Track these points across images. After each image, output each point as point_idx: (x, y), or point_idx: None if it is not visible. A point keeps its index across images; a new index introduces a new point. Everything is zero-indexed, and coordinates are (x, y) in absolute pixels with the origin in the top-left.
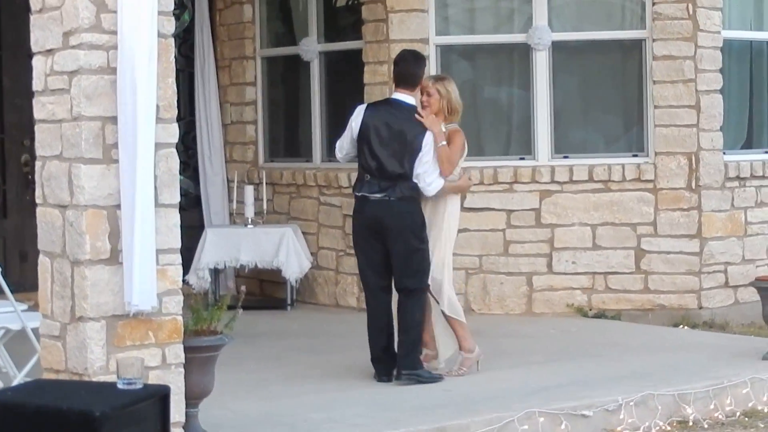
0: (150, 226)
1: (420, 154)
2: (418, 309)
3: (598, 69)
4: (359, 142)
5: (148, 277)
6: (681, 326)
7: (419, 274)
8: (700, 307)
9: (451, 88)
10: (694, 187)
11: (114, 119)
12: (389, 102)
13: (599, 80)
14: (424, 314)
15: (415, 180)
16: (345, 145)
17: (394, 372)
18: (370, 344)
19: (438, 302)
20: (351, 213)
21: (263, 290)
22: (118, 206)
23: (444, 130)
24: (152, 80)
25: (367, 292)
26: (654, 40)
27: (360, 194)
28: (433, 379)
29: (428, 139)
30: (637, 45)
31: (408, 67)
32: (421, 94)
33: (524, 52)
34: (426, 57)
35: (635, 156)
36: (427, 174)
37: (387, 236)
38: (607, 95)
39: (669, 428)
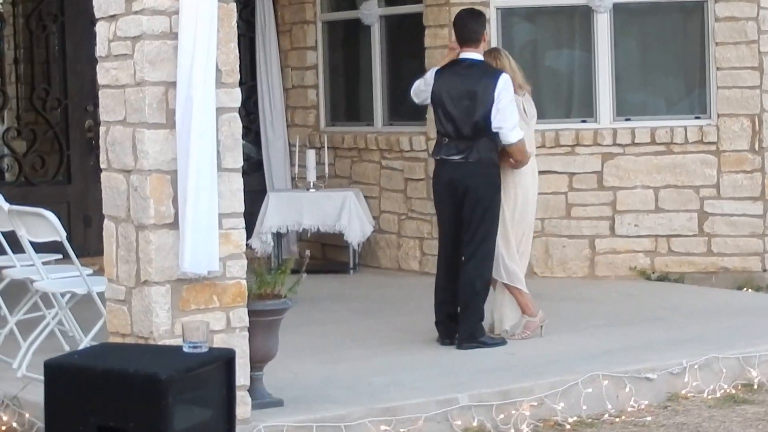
0: (207, 191)
1: (495, 103)
2: (478, 276)
3: (660, 31)
4: (434, 107)
5: (206, 242)
6: (745, 289)
7: (487, 239)
8: (764, 270)
9: (506, 62)
10: (757, 149)
11: (176, 84)
12: (457, 62)
13: (661, 42)
14: (488, 283)
15: (496, 130)
16: (417, 88)
17: (457, 336)
18: (435, 307)
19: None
20: (412, 177)
21: (325, 254)
22: None
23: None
24: (212, 44)
25: (439, 256)
26: (716, 2)
27: (439, 157)
28: (496, 343)
29: (501, 86)
30: (699, 6)
31: (465, 24)
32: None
33: (585, 14)
34: (488, 20)
35: (698, 118)
36: (504, 120)
37: (464, 198)
38: (669, 57)
39: (734, 391)
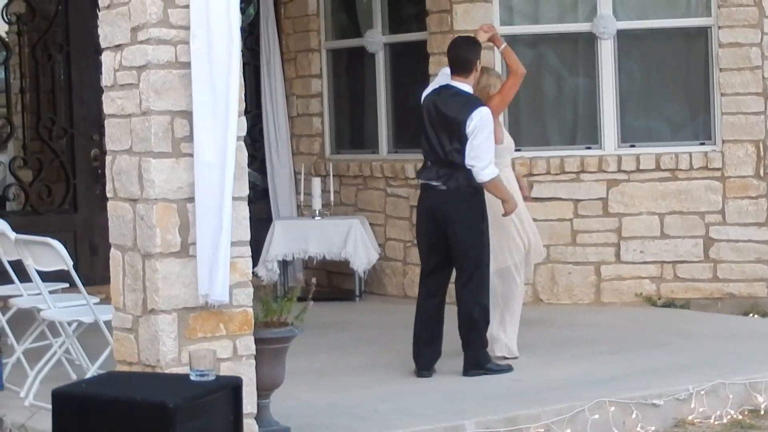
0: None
1: (470, 140)
2: (476, 304)
3: (664, 57)
4: (422, 128)
5: (226, 270)
6: (751, 315)
7: (479, 266)
8: None
9: (496, 81)
10: (762, 174)
11: (182, 113)
12: (444, 88)
13: (665, 68)
14: (486, 310)
15: (468, 167)
16: None
17: (434, 366)
18: (414, 337)
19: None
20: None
21: (331, 282)
22: (188, 200)
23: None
24: (238, 72)
25: (421, 292)
26: (720, 28)
27: (422, 181)
28: (502, 370)
29: (477, 121)
30: (703, 32)
31: (459, 52)
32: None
33: (589, 41)
34: (491, 47)
35: (702, 144)
36: (477, 158)
37: (445, 226)
38: (673, 83)
39: (741, 417)
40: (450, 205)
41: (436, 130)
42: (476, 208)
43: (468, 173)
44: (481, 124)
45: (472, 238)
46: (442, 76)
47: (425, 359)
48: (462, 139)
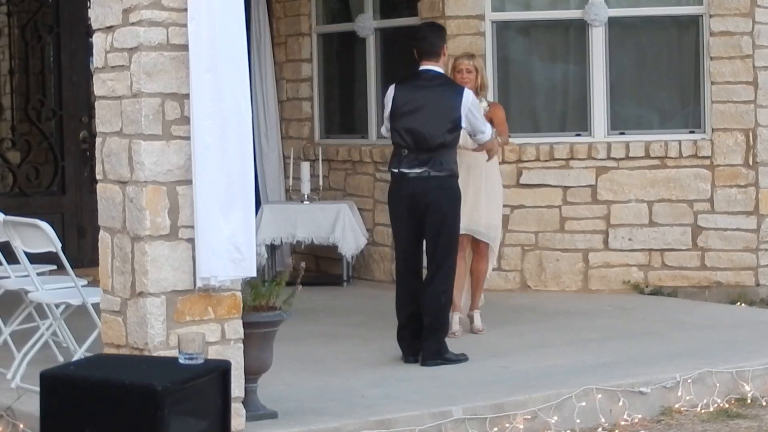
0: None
1: (467, 118)
2: (443, 291)
3: (655, 45)
4: (393, 120)
5: (250, 249)
6: (738, 303)
7: (450, 252)
8: (758, 284)
9: (482, 65)
10: (751, 163)
11: (173, 96)
12: (418, 74)
13: (655, 56)
14: (451, 297)
15: (476, 140)
16: (386, 123)
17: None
18: (399, 325)
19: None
20: None
21: (319, 266)
22: (178, 182)
23: (486, 106)
24: (243, 56)
25: (397, 274)
26: (711, 16)
27: (397, 171)
28: (459, 360)
29: (469, 101)
30: (694, 21)
31: (426, 38)
32: (456, 72)
33: (580, 28)
34: (482, 33)
35: (692, 132)
36: (481, 128)
37: (425, 213)
38: (664, 71)
39: (727, 406)
40: (434, 192)
41: (421, 116)
42: (455, 192)
43: (450, 155)
44: (473, 101)
45: (448, 225)
46: (389, 92)
47: (412, 345)
48: (455, 117)
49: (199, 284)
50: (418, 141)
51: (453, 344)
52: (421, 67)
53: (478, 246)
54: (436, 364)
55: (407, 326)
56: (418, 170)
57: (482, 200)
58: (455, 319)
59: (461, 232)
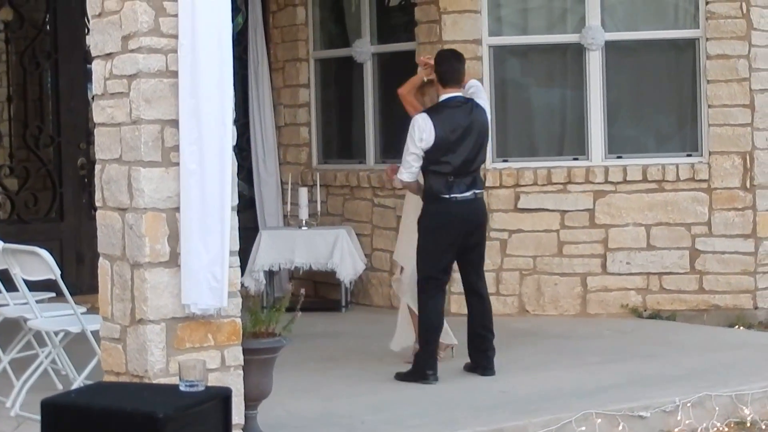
0: (222, 228)
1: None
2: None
3: (651, 68)
4: (438, 150)
5: (222, 278)
6: (736, 326)
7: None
8: (756, 308)
9: None
10: (748, 186)
11: (173, 122)
12: (447, 102)
13: (652, 80)
14: None
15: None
16: (415, 162)
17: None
18: (433, 347)
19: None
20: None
21: (317, 292)
22: (177, 209)
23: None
24: (229, 81)
25: (438, 294)
26: (708, 39)
27: (448, 195)
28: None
29: (489, 120)
30: (691, 44)
31: (452, 66)
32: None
33: (577, 52)
34: (480, 57)
35: (689, 156)
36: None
37: (472, 233)
38: (661, 95)
39: (726, 429)
40: (481, 214)
41: (466, 141)
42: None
43: (479, 177)
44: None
45: (485, 242)
46: (424, 124)
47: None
48: (487, 136)
49: (185, 312)
50: (465, 166)
51: (451, 367)
52: (449, 95)
53: None
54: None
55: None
56: (468, 194)
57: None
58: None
59: None
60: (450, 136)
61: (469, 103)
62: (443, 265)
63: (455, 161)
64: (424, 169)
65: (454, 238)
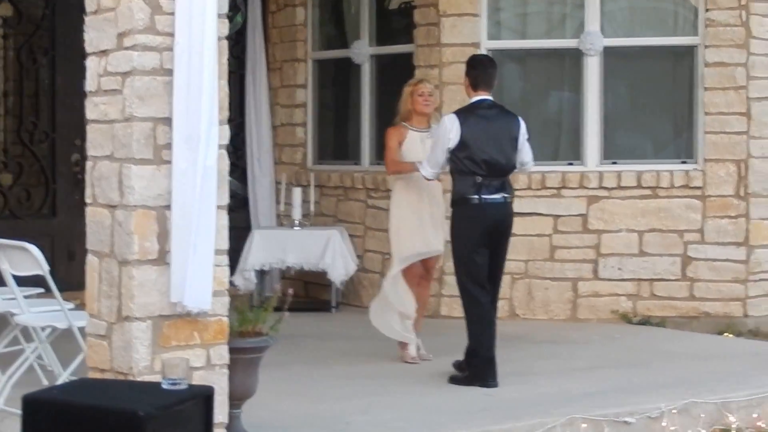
0: (211, 227)
1: (523, 141)
2: None
3: (649, 75)
4: (465, 149)
5: (207, 278)
6: (725, 334)
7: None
8: (746, 316)
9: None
10: (742, 194)
11: (165, 120)
12: (478, 104)
13: (650, 86)
14: None
15: (524, 164)
16: (440, 159)
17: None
18: (485, 346)
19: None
20: None
21: (308, 292)
22: (167, 207)
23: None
24: (214, 80)
25: (482, 297)
26: (706, 47)
27: (477, 197)
28: None
29: (523, 128)
30: (689, 51)
31: (486, 70)
32: (418, 96)
33: (576, 57)
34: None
35: (684, 162)
36: (529, 154)
37: (500, 237)
38: (658, 101)
39: None
40: (510, 216)
41: (494, 143)
42: None
43: (509, 182)
44: (525, 130)
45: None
46: (451, 125)
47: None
48: (517, 142)
49: (175, 309)
50: (494, 168)
51: (436, 370)
52: (479, 98)
53: (428, 271)
54: None
55: (493, 355)
56: (498, 196)
57: (430, 222)
58: (413, 346)
59: (416, 257)
60: (477, 136)
61: (498, 110)
62: (479, 272)
63: (482, 162)
64: (452, 171)
65: (484, 242)
